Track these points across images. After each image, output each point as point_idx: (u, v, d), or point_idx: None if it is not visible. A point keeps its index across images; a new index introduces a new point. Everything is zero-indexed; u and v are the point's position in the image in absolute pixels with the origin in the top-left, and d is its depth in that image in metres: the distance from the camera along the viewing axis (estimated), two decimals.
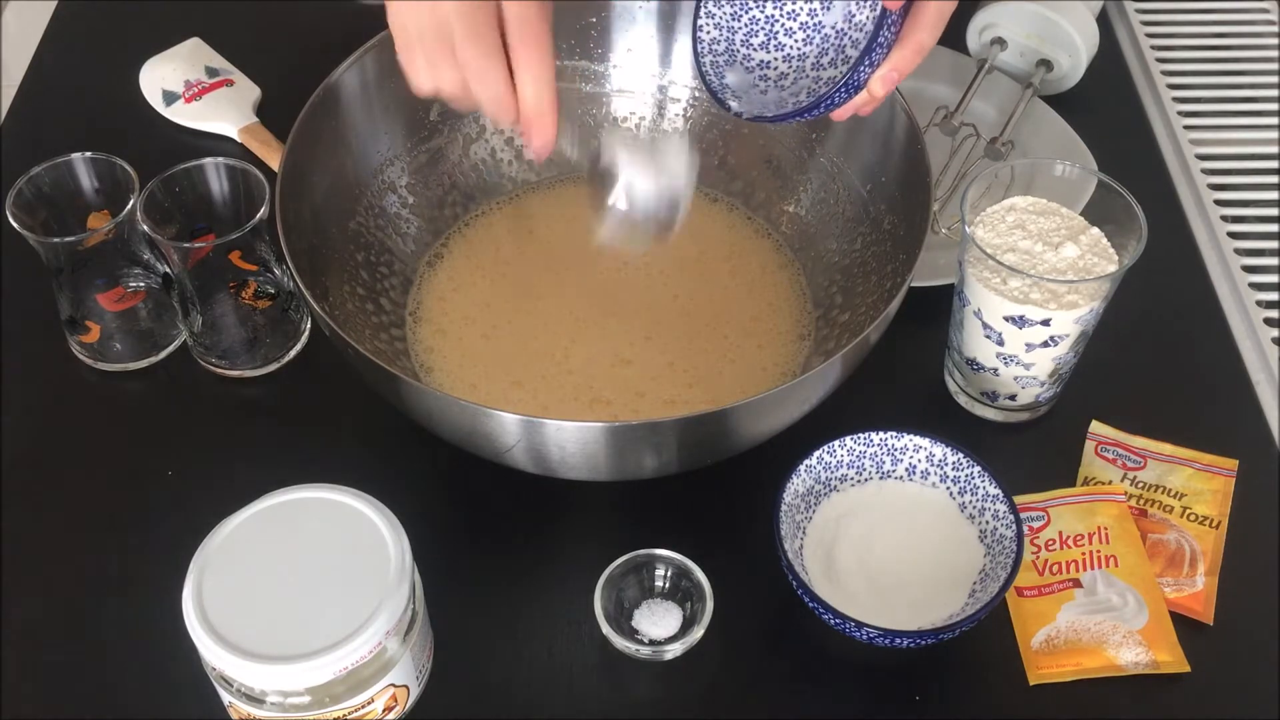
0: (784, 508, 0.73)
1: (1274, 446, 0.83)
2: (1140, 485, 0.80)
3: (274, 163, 0.96)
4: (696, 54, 0.76)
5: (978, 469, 0.74)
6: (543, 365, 0.83)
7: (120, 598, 0.76)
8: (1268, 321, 0.90)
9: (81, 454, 0.83)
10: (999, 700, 0.72)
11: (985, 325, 0.78)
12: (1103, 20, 1.07)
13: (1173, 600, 0.75)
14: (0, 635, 0.74)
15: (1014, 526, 0.72)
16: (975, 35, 1.04)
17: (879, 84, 0.70)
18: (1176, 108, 1.05)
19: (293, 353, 0.87)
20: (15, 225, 0.80)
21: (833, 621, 0.70)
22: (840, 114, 0.73)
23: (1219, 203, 0.98)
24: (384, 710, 0.68)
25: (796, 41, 0.77)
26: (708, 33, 0.76)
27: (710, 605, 0.72)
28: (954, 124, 0.97)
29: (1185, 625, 0.74)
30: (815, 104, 0.71)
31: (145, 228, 0.79)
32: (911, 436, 0.76)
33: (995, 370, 0.81)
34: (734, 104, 0.75)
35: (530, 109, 0.67)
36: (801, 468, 0.74)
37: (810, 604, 0.70)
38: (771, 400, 0.71)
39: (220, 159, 0.84)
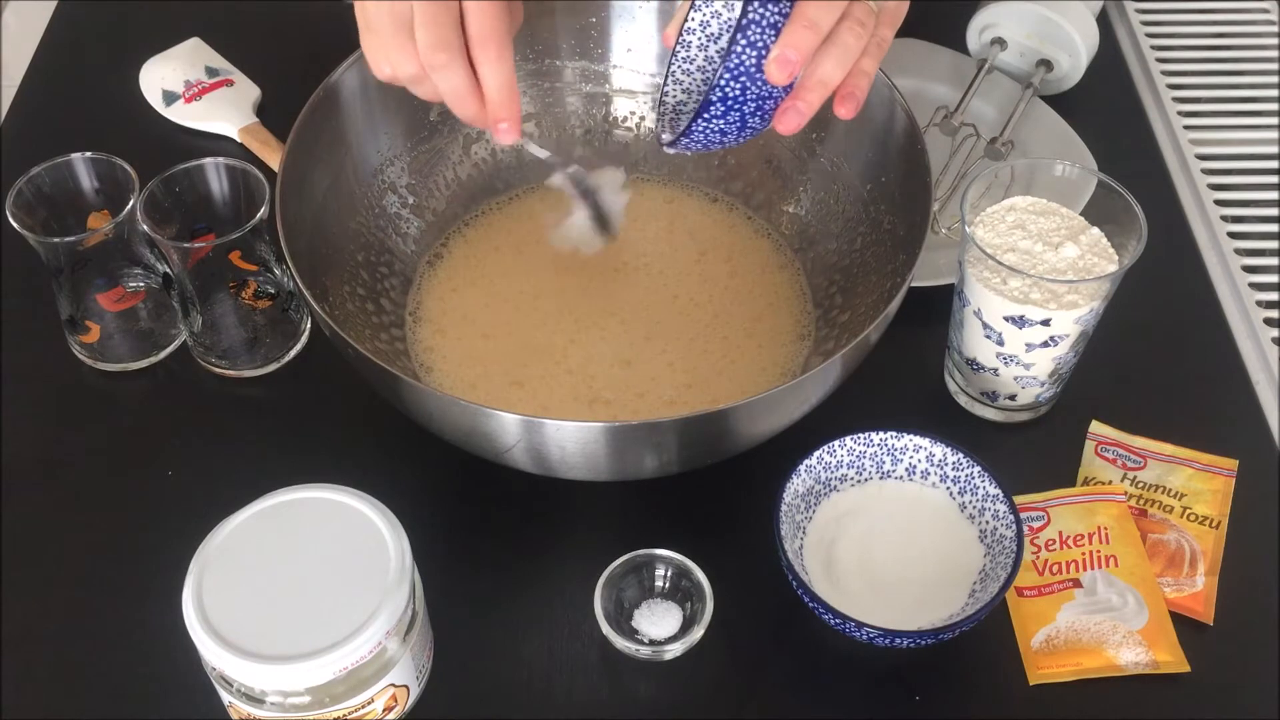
0: (784, 508, 0.73)
1: (1274, 446, 0.83)
2: (1140, 485, 0.80)
3: (274, 163, 0.96)
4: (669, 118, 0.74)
5: (978, 469, 0.74)
6: (542, 365, 0.83)
7: (120, 598, 0.76)
8: (1268, 321, 0.90)
9: (81, 454, 0.83)
10: (999, 700, 0.72)
11: (985, 325, 0.78)
12: (1103, 20, 1.07)
13: (1173, 600, 0.75)
14: (0, 635, 0.74)
15: (1014, 526, 0.72)
16: (975, 35, 1.04)
17: (774, 67, 0.64)
18: (1176, 108, 1.05)
19: (293, 353, 0.87)
20: (15, 225, 0.80)
21: (833, 621, 0.70)
22: (785, 124, 0.67)
23: (1219, 203, 0.98)
24: (384, 710, 0.68)
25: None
26: (673, 96, 0.75)
27: (710, 605, 0.72)
28: (954, 124, 0.97)
29: (1185, 625, 0.74)
30: (707, 102, 0.66)
31: (145, 228, 0.79)
32: (911, 436, 0.76)
33: (995, 370, 0.81)
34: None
35: (495, 102, 0.69)
36: (801, 468, 0.74)
37: (810, 604, 0.70)
38: (771, 400, 0.71)
39: (220, 159, 0.84)
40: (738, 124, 0.68)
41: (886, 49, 0.69)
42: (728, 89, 0.66)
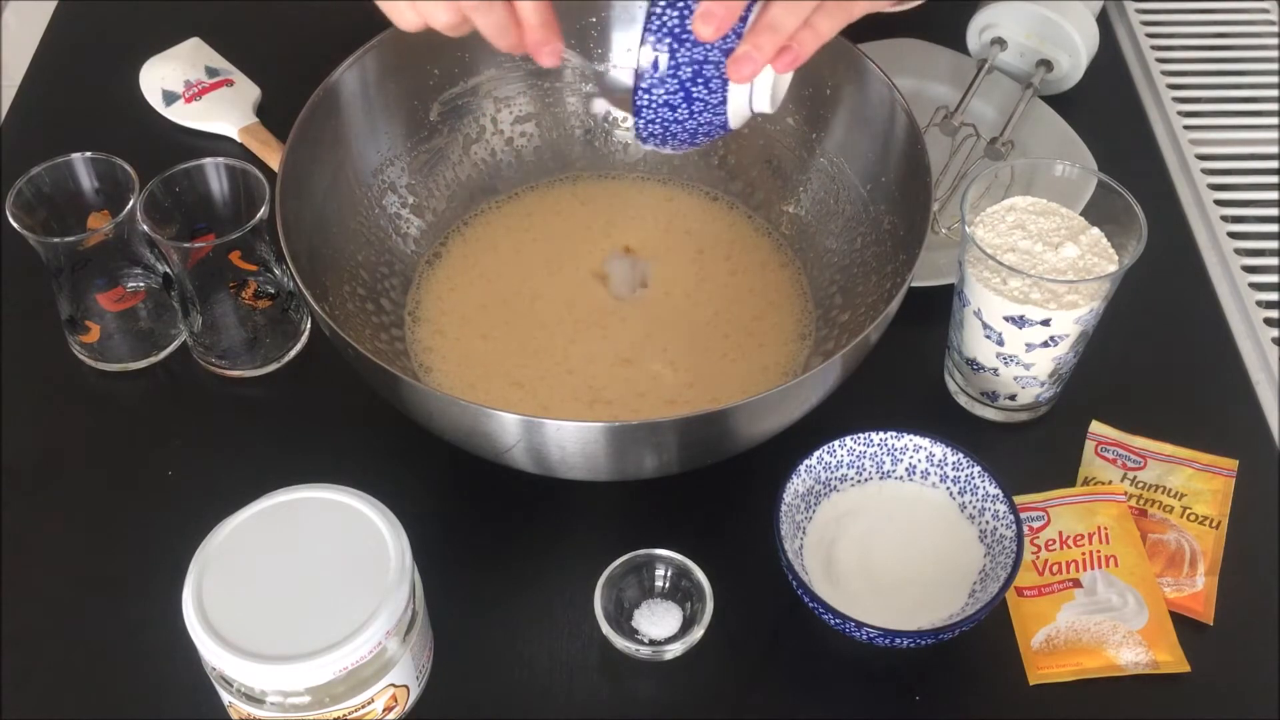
0: (784, 508, 0.73)
1: (1274, 446, 0.83)
2: (1140, 485, 0.80)
3: (274, 163, 0.96)
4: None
5: (978, 469, 0.74)
6: (542, 365, 0.83)
7: (120, 598, 0.76)
8: (1268, 321, 0.90)
9: (81, 454, 0.83)
10: (999, 700, 0.72)
11: (985, 325, 0.78)
12: (1103, 20, 1.07)
13: (1173, 600, 0.75)
14: (0, 636, 0.74)
15: (1014, 526, 0.72)
16: (975, 35, 1.04)
17: (699, 22, 0.64)
18: (1176, 108, 1.05)
19: (293, 353, 0.87)
20: (15, 225, 0.80)
21: (833, 621, 0.70)
22: (737, 73, 0.66)
23: (1219, 203, 0.98)
24: (384, 710, 0.68)
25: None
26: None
27: (710, 605, 0.72)
28: (954, 124, 0.97)
29: (1185, 625, 0.74)
30: (637, 71, 0.66)
31: (145, 228, 0.79)
32: (911, 436, 0.76)
33: (995, 370, 0.81)
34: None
35: (534, 27, 0.67)
36: (801, 468, 0.74)
37: (810, 604, 0.70)
38: (771, 400, 0.71)
39: (220, 159, 0.84)
40: (682, 95, 0.67)
41: (856, 14, 0.67)
42: (657, 49, 0.65)
